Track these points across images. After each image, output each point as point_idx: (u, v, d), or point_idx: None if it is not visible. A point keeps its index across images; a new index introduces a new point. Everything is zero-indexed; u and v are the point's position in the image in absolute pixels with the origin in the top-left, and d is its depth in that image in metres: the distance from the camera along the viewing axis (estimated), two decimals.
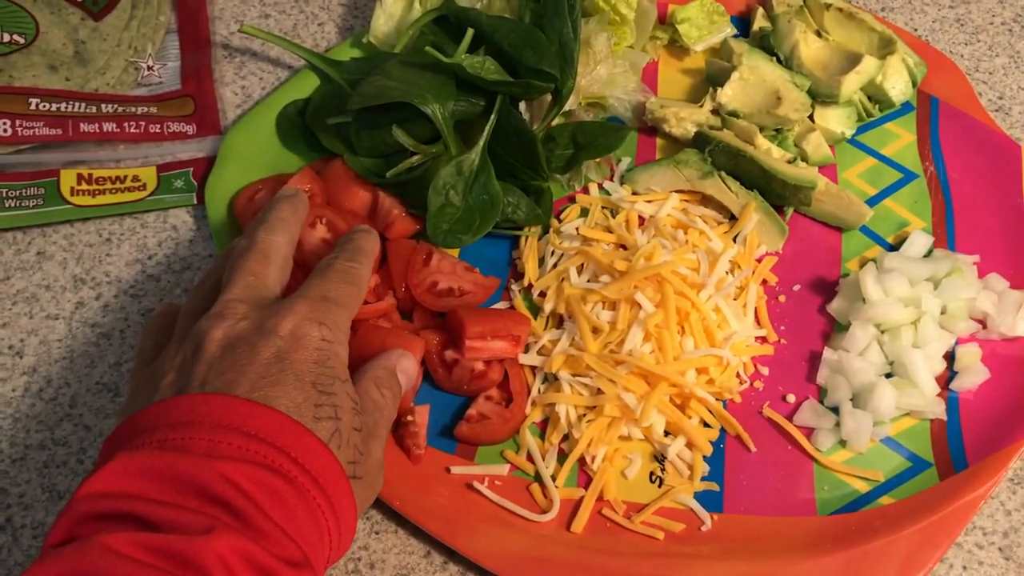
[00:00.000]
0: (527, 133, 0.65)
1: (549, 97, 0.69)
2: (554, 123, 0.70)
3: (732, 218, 0.67)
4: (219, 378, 0.45)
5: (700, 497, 0.58)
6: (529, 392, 0.61)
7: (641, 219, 0.67)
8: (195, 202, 0.70)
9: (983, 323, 0.63)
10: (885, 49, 0.73)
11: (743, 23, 0.78)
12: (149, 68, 0.75)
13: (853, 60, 0.70)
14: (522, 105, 0.72)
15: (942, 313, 0.63)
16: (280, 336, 0.46)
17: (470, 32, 0.68)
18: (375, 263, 0.57)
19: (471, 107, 0.67)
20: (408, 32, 0.71)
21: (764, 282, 0.66)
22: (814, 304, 0.65)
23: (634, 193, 0.69)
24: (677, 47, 0.77)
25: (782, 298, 0.65)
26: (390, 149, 0.67)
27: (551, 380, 0.61)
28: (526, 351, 0.62)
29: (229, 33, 0.79)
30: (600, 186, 0.70)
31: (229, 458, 0.41)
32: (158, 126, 0.72)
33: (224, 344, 0.46)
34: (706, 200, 0.68)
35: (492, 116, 0.66)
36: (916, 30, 0.80)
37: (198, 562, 0.37)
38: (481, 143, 0.65)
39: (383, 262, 0.64)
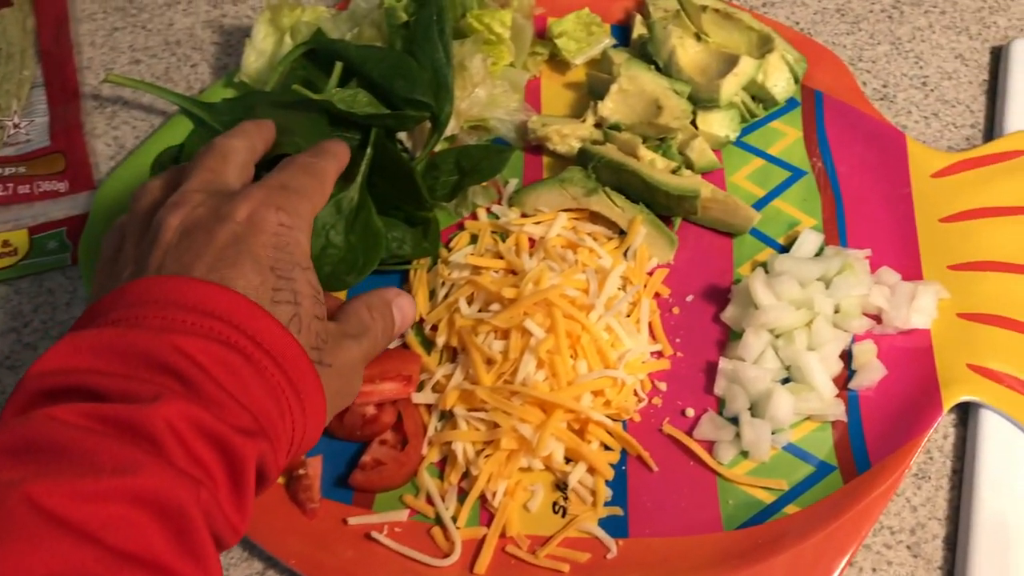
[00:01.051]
0: (405, 165, 0.64)
1: (429, 124, 0.68)
2: (437, 149, 0.69)
3: (622, 233, 0.66)
4: (176, 262, 0.44)
5: (605, 523, 0.57)
6: (425, 431, 0.59)
7: (532, 240, 0.66)
8: (70, 262, 0.67)
9: (878, 318, 0.63)
10: (764, 47, 0.72)
11: (624, 31, 0.77)
12: (15, 126, 0.73)
13: (731, 62, 0.69)
14: (404, 134, 0.70)
15: (836, 312, 0.62)
16: (237, 221, 0.46)
17: (339, 66, 0.66)
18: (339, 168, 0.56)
19: (346, 143, 0.65)
20: (278, 68, 0.69)
21: (657, 295, 0.65)
22: (708, 313, 0.64)
23: (523, 215, 0.68)
24: (559, 61, 0.76)
25: (676, 310, 0.64)
26: None
27: (448, 417, 0.60)
28: (419, 389, 0.60)
29: (99, 83, 0.76)
30: (489, 210, 0.69)
31: (183, 332, 0.40)
32: (28, 186, 0.70)
33: (181, 230, 0.46)
34: (595, 216, 0.67)
35: (368, 150, 0.64)
36: (798, 23, 0.80)
37: (145, 428, 0.37)
38: (359, 179, 0.63)
39: None
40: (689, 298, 0.65)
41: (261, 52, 0.73)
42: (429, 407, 0.60)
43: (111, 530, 0.34)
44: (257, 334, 0.42)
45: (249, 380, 0.41)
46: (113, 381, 0.38)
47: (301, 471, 0.57)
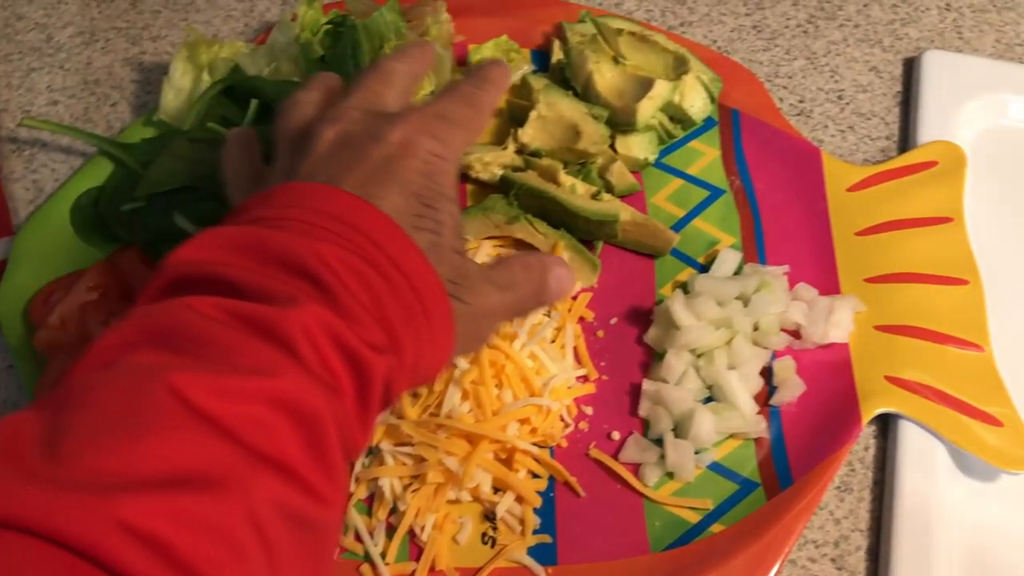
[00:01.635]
0: None
1: None
2: None
3: None
4: (325, 172, 0.45)
5: (534, 551, 0.57)
6: (352, 469, 0.59)
7: None
8: None
9: (797, 334, 0.64)
10: (680, 68, 0.73)
11: (545, 57, 0.78)
12: None
13: (647, 85, 0.70)
14: None
15: (755, 330, 0.63)
16: (390, 143, 0.46)
17: (254, 103, 0.66)
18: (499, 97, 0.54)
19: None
20: (196, 106, 0.69)
21: (581, 319, 0.65)
22: (632, 335, 0.65)
23: None
24: None
25: (600, 333, 0.65)
26: (187, 232, 0.65)
27: (375, 453, 0.60)
28: None
29: (16, 126, 0.76)
30: None
31: (324, 240, 0.40)
32: None
33: (334, 142, 0.46)
34: (519, 243, 0.68)
35: None
36: (715, 42, 0.81)
37: (281, 330, 0.36)
38: None
39: None
40: (613, 321, 0.65)
41: (179, 90, 0.73)
42: None
43: (250, 429, 0.34)
44: (396, 255, 0.42)
45: (384, 297, 0.41)
46: (250, 276, 0.38)
47: None
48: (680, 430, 0.60)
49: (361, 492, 0.59)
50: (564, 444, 0.61)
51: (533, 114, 0.70)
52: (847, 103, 0.77)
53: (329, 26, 0.69)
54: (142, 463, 0.31)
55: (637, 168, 0.71)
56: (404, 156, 0.45)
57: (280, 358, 0.36)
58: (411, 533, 0.57)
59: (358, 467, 0.59)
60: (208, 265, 0.39)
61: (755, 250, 0.68)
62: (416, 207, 0.44)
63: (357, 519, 0.57)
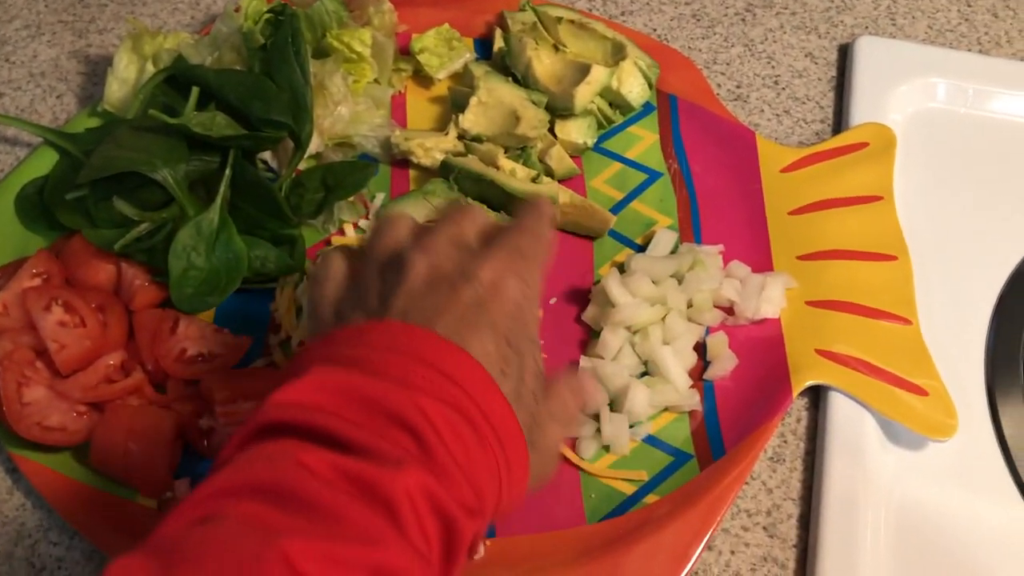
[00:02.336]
0: (264, 184, 0.65)
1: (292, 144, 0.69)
2: (302, 167, 0.70)
3: None
4: (420, 312, 0.44)
5: None
6: None
7: None
8: None
9: (731, 310, 0.65)
10: (618, 55, 0.75)
11: (488, 45, 0.79)
12: None
13: (585, 71, 0.72)
14: (269, 154, 0.71)
15: (689, 307, 0.65)
16: (481, 283, 0.45)
17: (195, 91, 0.67)
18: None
19: (205, 165, 0.66)
20: (140, 96, 0.70)
21: None
22: (571, 315, 0.66)
23: None
24: (423, 76, 0.77)
25: (540, 313, 0.66)
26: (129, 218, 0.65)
27: None
28: None
29: None
30: (356, 225, 0.70)
31: (424, 391, 0.40)
32: None
33: (427, 278, 0.45)
34: None
35: (227, 171, 0.65)
36: (655, 30, 0.82)
37: (388, 495, 0.36)
38: (218, 201, 0.64)
39: (130, 336, 0.62)
40: (552, 300, 0.67)
41: (124, 80, 0.73)
42: None
43: None
44: (486, 407, 0.41)
45: (476, 455, 0.40)
46: (357, 432, 0.38)
47: (168, 494, 0.58)
48: (615, 404, 0.61)
49: None
50: None
51: (473, 100, 0.72)
52: (783, 88, 0.79)
53: (270, 15, 0.70)
54: None
55: (576, 152, 0.73)
56: (495, 299, 0.45)
57: (385, 526, 0.36)
58: None
59: None
60: (314, 413, 0.38)
61: (691, 230, 0.69)
62: (504, 351, 0.44)
63: None
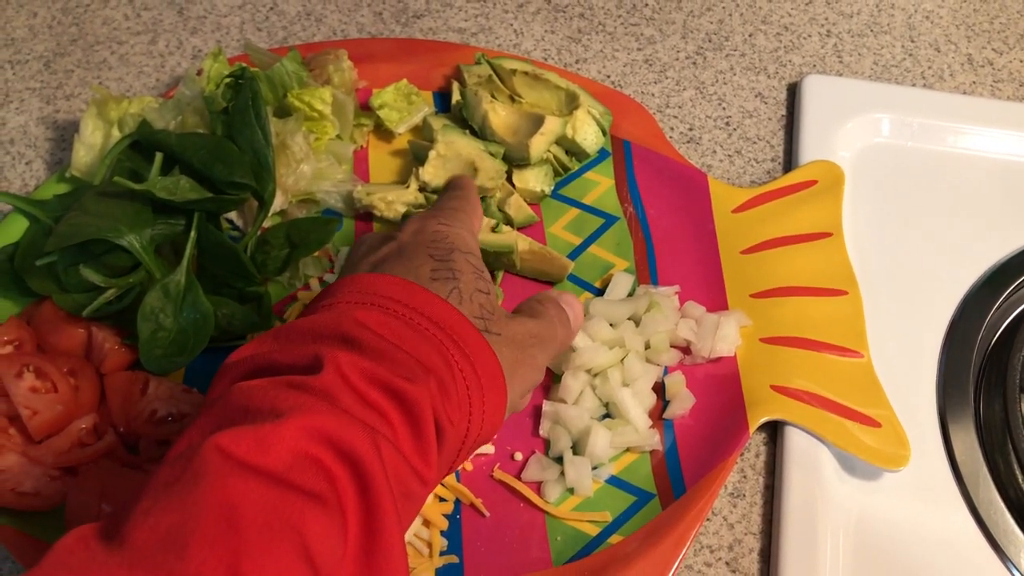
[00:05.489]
0: (228, 245, 0.67)
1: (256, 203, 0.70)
2: (267, 225, 0.72)
3: None
4: (350, 269, 0.53)
5: (442, 572, 0.59)
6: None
7: None
8: None
9: (688, 350, 0.67)
10: (571, 104, 0.77)
11: (447, 98, 0.81)
12: None
13: (539, 122, 0.74)
14: (235, 214, 0.73)
15: (647, 348, 0.66)
16: (402, 237, 0.54)
17: (159, 156, 0.68)
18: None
19: (171, 228, 0.67)
20: (106, 161, 0.71)
21: None
22: None
23: None
24: (384, 131, 0.79)
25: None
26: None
27: None
28: None
29: None
30: (321, 280, 0.72)
31: (353, 307, 0.46)
32: None
33: (391, 250, 0.53)
34: None
35: (192, 234, 0.66)
36: (609, 76, 0.85)
37: (319, 382, 0.41)
38: (184, 262, 0.66)
39: (102, 400, 0.64)
40: None
41: (90, 146, 0.75)
42: None
43: (295, 471, 0.37)
44: (416, 304, 0.47)
45: (409, 336, 0.45)
46: (287, 353, 0.43)
47: None
48: (578, 447, 0.63)
49: None
50: (469, 467, 0.63)
51: (432, 153, 0.73)
52: (735, 129, 0.81)
53: (230, 79, 0.72)
54: (189, 519, 0.34)
55: (535, 200, 0.75)
56: (414, 238, 0.53)
57: (317, 401, 0.40)
58: None
59: None
60: (253, 358, 0.44)
61: (648, 272, 0.71)
62: (430, 263, 0.51)
63: None
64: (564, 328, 0.56)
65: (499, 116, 0.76)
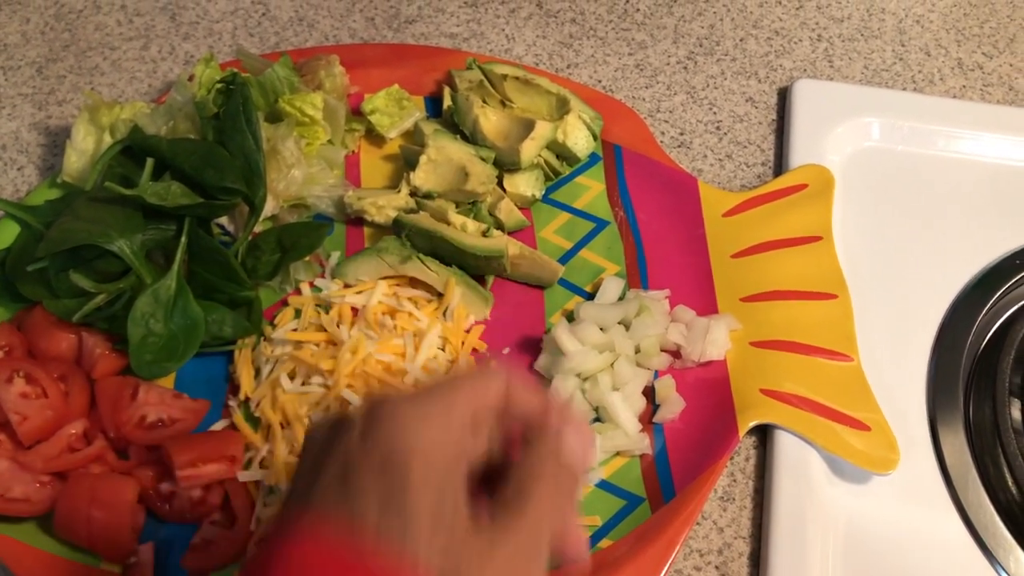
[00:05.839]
0: (219, 250, 0.67)
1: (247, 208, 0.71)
2: (259, 230, 0.72)
3: (441, 295, 0.70)
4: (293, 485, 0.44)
5: None
6: (254, 508, 0.61)
7: (355, 310, 0.69)
8: None
9: (678, 354, 0.67)
10: (562, 109, 0.77)
11: (438, 103, 0.81)
12: None
13: (529, 127, 0.74)
14: (225, 218, 0.73)
15: (637, 352, 0.66)
16: (350, 444, 0.41)
17: (150, 162, 0.68)
18: None
19: (162, 233, 0.67)
20: (97, 167, 0.72)
21: (475, 351, 0.68)
22: (524, 363, 0.68)
23: (347, 286, 0.71)
24: (376, 136, 0.79)
25: (494, 363, 0.68)
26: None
27: (276, 491, 0.62)
28: (247, 466, 0.62)
29: None
30: (312, 284, 0.72)
31: None
32: None
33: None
34: (414, 281, 0.71)
35: (183, 239, 0.67)
36: (600, 82, 0.85)
37: None
38: (175, 268, 0.66)
39: (92, 405, 0.64)
40: (506, 351, 0.68)
41: (82, 152, 0.75)
42: (257, 483, 0.62)
43: None
44: None
45: None
46: None
47: (133, 559, 0.59)
48: None
49: (263, 531, 0.61)
50: None
51: (423, 158, 0.74)
52: (725, 133, 0.82)
53: (222, 85, 0.72)
54: None
55: (525, 204, 0.75)
56: (363, 450, 0.40)
57: None
58: None
59: (259, 506, 0.61)
60: None
61: (638, 276, 0.71)
62: (377, 499, 0.39)
63: None
64: (565, 497, 0.42)
65: (490, 121, 0.76)
